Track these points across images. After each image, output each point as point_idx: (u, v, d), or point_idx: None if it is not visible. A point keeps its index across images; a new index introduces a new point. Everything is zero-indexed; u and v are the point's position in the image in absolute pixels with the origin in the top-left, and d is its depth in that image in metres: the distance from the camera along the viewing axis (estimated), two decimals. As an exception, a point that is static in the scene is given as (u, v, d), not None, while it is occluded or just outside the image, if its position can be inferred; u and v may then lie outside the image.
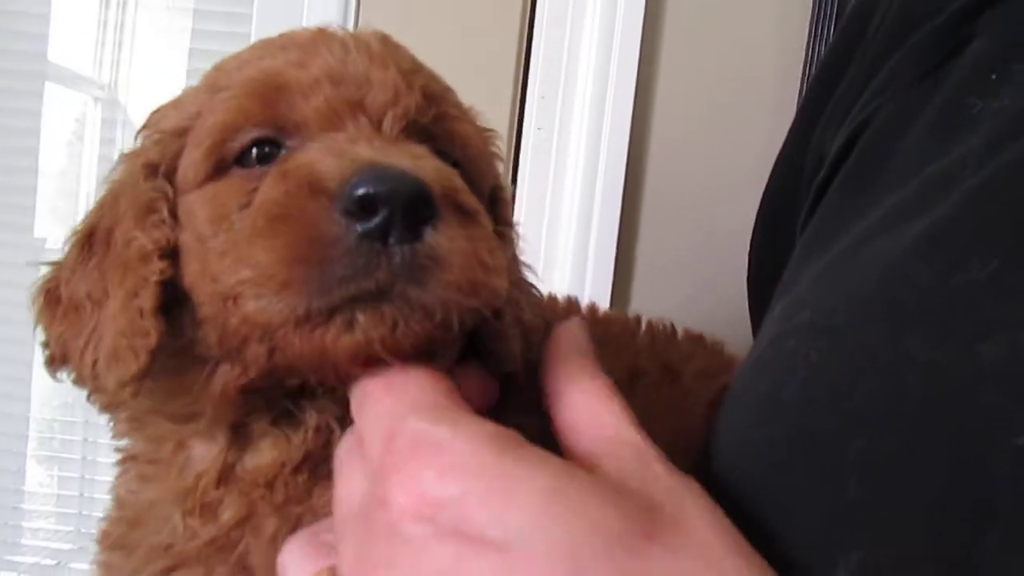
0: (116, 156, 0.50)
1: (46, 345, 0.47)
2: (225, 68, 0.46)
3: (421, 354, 0.38)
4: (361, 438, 0.37)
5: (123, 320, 0.42)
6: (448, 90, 0.49)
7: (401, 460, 0.33)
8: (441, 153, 0.45)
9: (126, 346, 0.41)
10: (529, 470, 0.32)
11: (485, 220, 0.41)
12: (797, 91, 1.16)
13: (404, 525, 0.31)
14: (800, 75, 1.18)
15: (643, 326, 0.67)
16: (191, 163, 0.44)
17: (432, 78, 0.48)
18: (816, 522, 0.35)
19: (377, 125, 0.42)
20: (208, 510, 0.45)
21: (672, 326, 0.68)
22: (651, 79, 1.23)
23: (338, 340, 0.36)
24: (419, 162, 0.38)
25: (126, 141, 1.46)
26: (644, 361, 0.62)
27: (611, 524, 0.31)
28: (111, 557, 0.49)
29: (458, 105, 0.49)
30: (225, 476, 0.45)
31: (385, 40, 0.47)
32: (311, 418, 0.44)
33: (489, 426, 0.35)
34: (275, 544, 0.42)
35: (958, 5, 0.46)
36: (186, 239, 0.43)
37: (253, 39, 0.53)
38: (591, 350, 0.42)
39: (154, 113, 0.49)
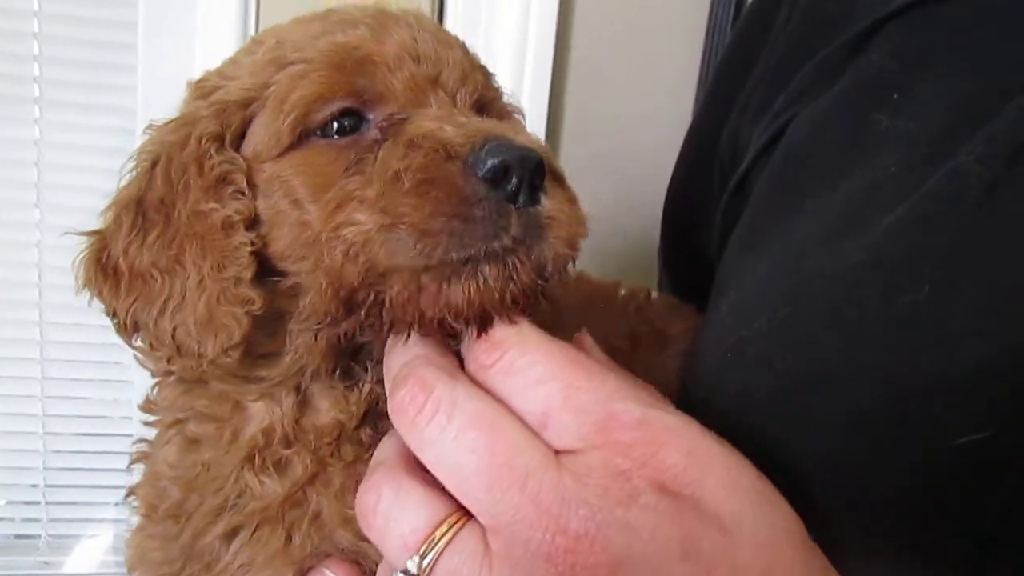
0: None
1: (113, 315, 0.47)
2: (289, 42, 0.47)
3: (525, 308, 0.40)
4: (547, 415, 0.37)
5: (215, 290, 0.44)
6: (489, 70, 0.53)
7: (642, 439, 0.35)
8: None
9: (226, 313, 0.43)
10: (740, 458, 0.37)
11: (567, 182, 0.45)
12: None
13: (648, 497, 0.34)
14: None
15: (623, 291, 0.69)
16: (271, 134, 0.45)
17: (480, 61, 0.52)
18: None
19: (452, 100, 0.46)
20: (280, 466, 0.48)
21: (648, 291, 0.70)
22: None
23: (461, 289, 0.38)
24: (526, 136, 0.42)
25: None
26: (638, 326, 0.64)
27: (793, 520, 0.36)
28: (166, 528, 0.51)
29: (496, 86, 0.53)
30: (294, 434, 0.48)
31: (433, 21, 0.51)
32: (368, 378, 0.48)
33: (683, 415, 0.38)
34: (343, 497, 0.47)
35: (864, 26, 0.50)
36: (274, 207, 0.45)
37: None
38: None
39: (201, 82, 0.50)
